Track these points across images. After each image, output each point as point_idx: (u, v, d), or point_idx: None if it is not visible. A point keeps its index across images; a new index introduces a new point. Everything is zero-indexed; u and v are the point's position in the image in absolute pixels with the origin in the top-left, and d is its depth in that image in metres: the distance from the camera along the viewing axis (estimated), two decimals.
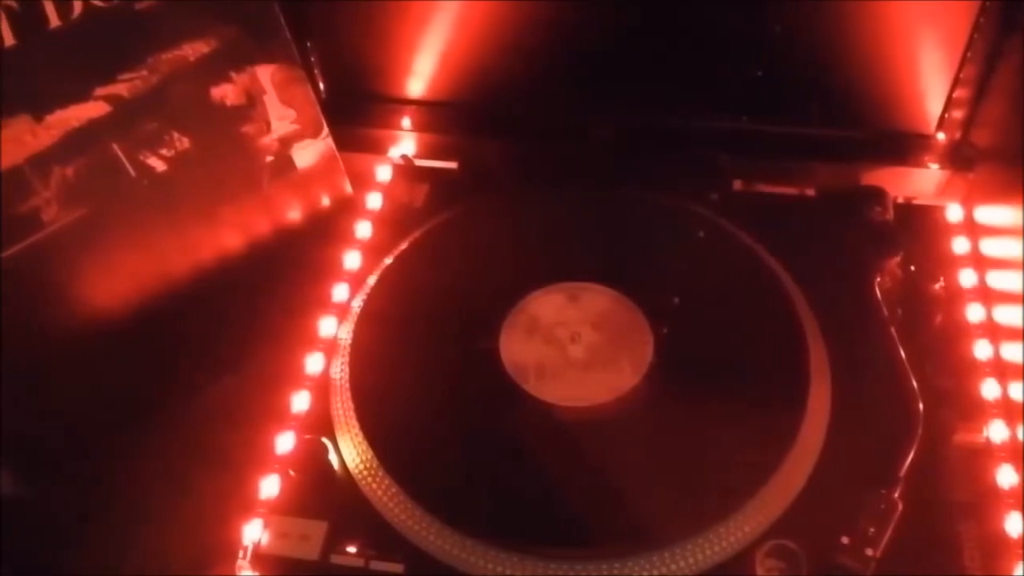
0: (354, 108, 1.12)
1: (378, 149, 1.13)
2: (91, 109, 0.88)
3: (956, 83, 0.98)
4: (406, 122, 1.12)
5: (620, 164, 1.06)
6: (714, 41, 0.99)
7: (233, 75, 0.95)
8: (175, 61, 0.91)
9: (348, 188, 1.10)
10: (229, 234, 1.03)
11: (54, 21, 0.84)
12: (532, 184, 1.05)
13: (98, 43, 0.87)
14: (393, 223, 1.04)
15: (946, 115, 1.01)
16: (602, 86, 1.05)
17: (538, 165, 1.07)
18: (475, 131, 1.11)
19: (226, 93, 0.96)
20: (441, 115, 1.12)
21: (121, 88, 0.89)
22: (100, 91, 0.88)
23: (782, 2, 0.95)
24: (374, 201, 1.07)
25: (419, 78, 1.09)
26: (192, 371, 0.99)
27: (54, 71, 0.85)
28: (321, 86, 1.09)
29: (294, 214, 1.08)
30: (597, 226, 1.00)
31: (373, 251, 1.01)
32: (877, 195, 0.95)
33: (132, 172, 0.92)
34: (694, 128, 1.06)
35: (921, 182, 1.04)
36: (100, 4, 0.85)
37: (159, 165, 0.94)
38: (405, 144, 1.13)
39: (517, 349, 0.89)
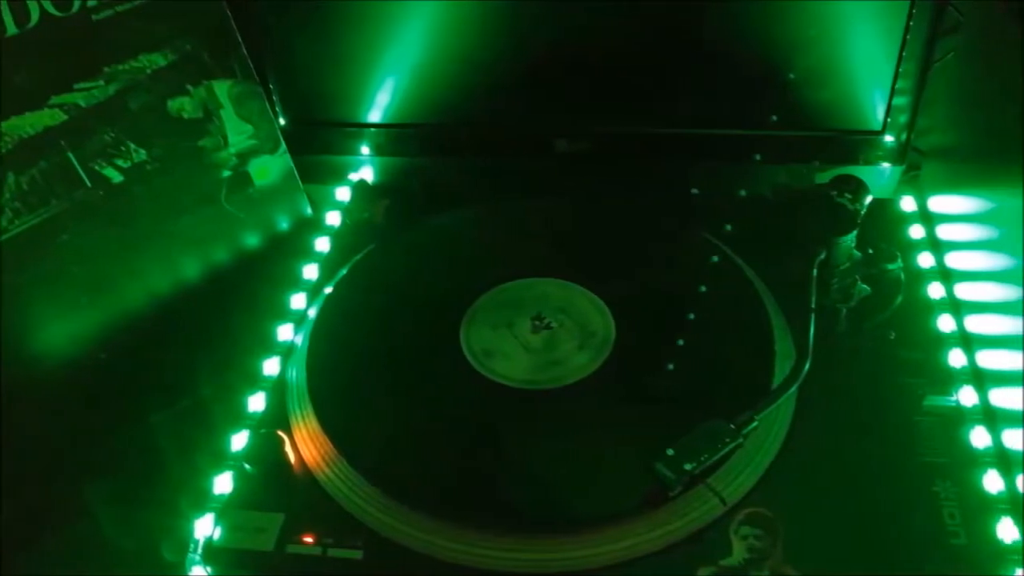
0: (313, 137, 1.13)
1: (339, 176, 1.14)
2: (47, 117, 0.88)
3: (896, 83, 1.01)
4: (365, 148, 1.15)
5: (583, 174, 1.10)
6: (665, 54, 1.02)
7: (190, 88, 0.97)
8: (132, 72, 0.92)
9: (308, 210, 1.11)
10: (186, 247, 1.02)
11: (11, 29, 0.84)
12: (491, 195, 1.08)
13: (54, 52, 0.87)
14: (352, 237, 1.05)
15: (889, 117, 1.04)
16: (559, 102, 1.07)
17: (498, 178, 1.10)
18: (434, 151, 1.13)
19: (183, 106, 0.97)
20: (399, 138, 1.13)
21: (77, 97, 0.90)
22: (56, 99, 0.89)
23: (729, 17, 0.99)
24: (333, 218, 1.08)
25: (376, 103, 1.11)
26: (147, 377, 0.97)
27: (10, 78, 0.85)
28: (281, 121, 1.11)
29: (253, 229, 1.08)
30: (545, 231, 1.02)
31: (331, 264, 1.02)
32: (851, 182, 0.93)
33: (88, 182, 0.92)
34: (648, 137, 1.08)
35: (875, 179, 1.06)
36: (57, 13, 0.86)
37: (115, 175, 0.94)
38: (364, 170, 1.15)
39: (475, 335, 0.90)
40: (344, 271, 0.99)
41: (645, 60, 1.03)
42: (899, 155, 1.06)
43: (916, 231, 0.99)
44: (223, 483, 0.81)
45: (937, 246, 0.98)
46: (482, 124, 1.11)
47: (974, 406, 0.82)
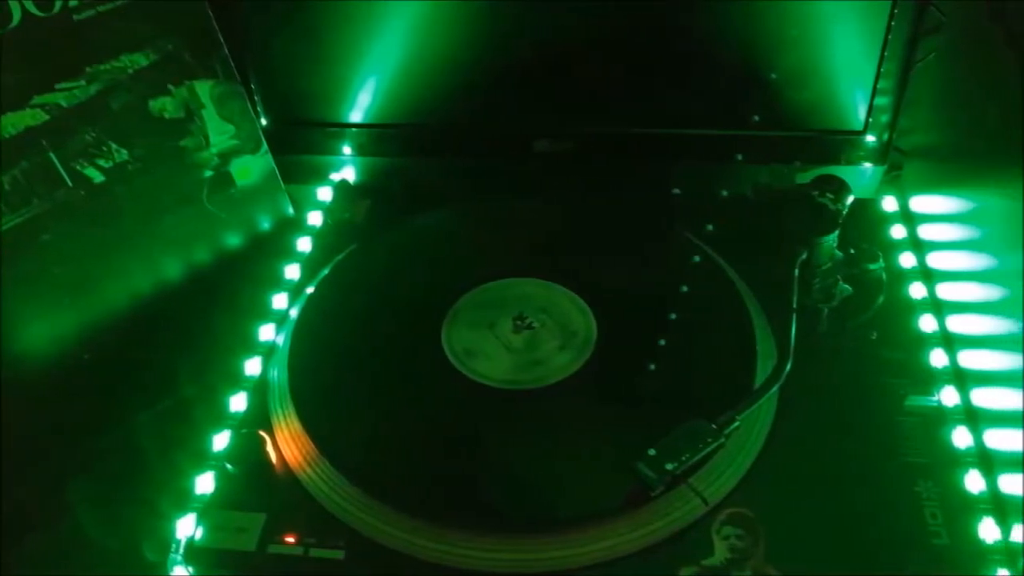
0: (294, 137, 1.13)
1: (321, 176, 1.14)
2: (28, 117, 0.88)
3: (878, 83, 1.02)
4: (346, 148, 1.15)
5: (565, 174, 1.10)
6: (647, 54, 1.02)
7: (171, 88, 0.97)
8: (113, 72, 0.92)
9: (290, 210, 1.11)
10: (168, 247, 1.02)
11: None
12: (473, 195, 1.09)
13: (36, 52, 0.87)
14: (334, 237, 1.05)
15: (871, 117, 1.04)
16: (540, 101, 1.07)
17: (479, 178, 1.11)
18: (415, 151, 1.13)
19: (164, 106, 0.97)
20: (381, 138, 1.14)
21: (59, 97, 0.90)
22: (38, 99, 0.88)
23: (711, 17, 0.99)
24: (315, 218, 1.08)
25: (358, 103, 1.11)
26: (129, 377, 0.97)
27: None
28: (263, 121, 1.10)
29: (235, 229, 1.07)
30: (527, 231, 1.02)
31: (313, 263, 1.02)
32: (833, 182, 0.92)
33: (69, 182, 0.92)
34: (630, 137, 1.09)
35: (857, 179, 1.07)
36: (39, 13, 0.86)
37: (96, 175, 0.94)
38: (346, 170, 1.15)
39: (457, 335, 0.90)
40: (326, 271, 0.99)
41: (627, 60, 1.03)
42: (881, 155, 1.07)
43: (898, 231, 0.99)
44: (205, 483, 0.80)
45: (919, 246, 0.98)
46: (464, 124, 1.11)
47: (956, 406, 0.82)
